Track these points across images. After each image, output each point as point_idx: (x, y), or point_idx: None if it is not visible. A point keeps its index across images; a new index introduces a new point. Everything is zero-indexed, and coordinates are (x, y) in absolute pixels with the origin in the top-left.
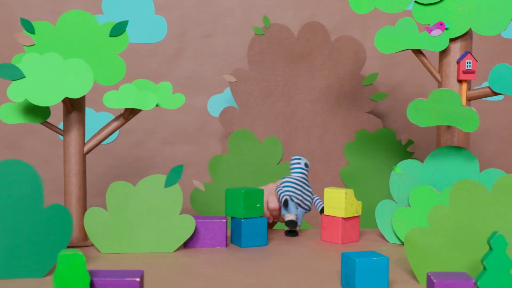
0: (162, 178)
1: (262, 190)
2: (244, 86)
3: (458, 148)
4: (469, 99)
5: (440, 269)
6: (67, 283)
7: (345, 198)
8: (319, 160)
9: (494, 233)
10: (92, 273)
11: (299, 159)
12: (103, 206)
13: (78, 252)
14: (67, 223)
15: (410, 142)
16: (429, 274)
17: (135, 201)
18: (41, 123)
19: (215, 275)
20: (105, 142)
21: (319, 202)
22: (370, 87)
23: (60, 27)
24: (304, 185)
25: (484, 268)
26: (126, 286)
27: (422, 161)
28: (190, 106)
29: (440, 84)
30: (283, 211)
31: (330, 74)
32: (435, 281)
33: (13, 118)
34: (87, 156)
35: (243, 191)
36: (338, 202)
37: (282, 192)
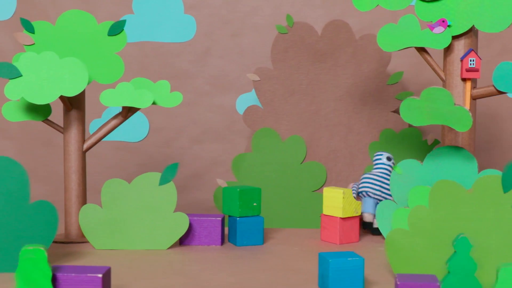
0: (157, 176)
1: (258, 189)
2: (268, 85)
3: (457, 148)
4: (473, 98)
5: (420, 270)
6: (29, 278)
7: (343, 198)
8: (343, 160)
9: (459, 235)
10: (56, 269)
11: (381, 154)
12: None
13: (40, 247)
14: (52, 219)
15: (436, 142)
16: (396, 276)
17: (130, 198)
18: (42, 121)
19: (197, 273)
20: (134, 140)
21: None
22: (395, 86)
23: (59, 26)
24: (384, 180)
25: (448, 271)
26: (88, 282)
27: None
28: (218, 105)
29: (444, 83)
30: (362, 209)
31: (355, 72)
32: (398, 283)
33: (16, 116)
34: (117, 154)
35: (238, 189)
36: (336, 202)
37: (359, 189)
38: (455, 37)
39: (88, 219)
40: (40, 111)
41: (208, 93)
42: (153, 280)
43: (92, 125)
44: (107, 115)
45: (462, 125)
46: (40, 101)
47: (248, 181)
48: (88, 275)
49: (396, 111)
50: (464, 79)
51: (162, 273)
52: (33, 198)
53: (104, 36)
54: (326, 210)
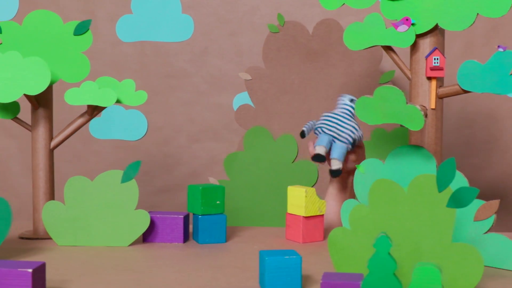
0: (119, 173)
1: (222, 187)
2: (260, 83)
3: (416, 147)
4: (440, 97)
5: (361, 268)
6: None
7: (305, 196)
8: None
9: (379, 234)
10: None
11: (344, 96)
12: None
13: None
14: (6, 214)
15: None
16: (324, 274)
17: (93, 195)
18: (12, 119)
19: (146, 269)
20: (133, 139)
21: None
22: (387, 85)
23: (26, 26)
24: (343, 119)
25: (368, 270)
26: (18, 277)
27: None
28: (216, 104)
29: (410, 81)
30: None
31: (346, 71)
32: (321, 281)
33: None
34: (116, 152)
35: (201, 187)
36: (299, 200)
37: (315, 126)
38: (420, 36)
39: (51, 215)
40: (9, 110)
41: (206, 92)
42: (99, 276)
43: (92, 124)
44: (106, 114)
45: (415, 124)
46: (3, 99)
47: (240, 180)
48: (19, 270)
49: None
50: (429, 78)
51: (111, 269)
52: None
53: (70, 35)
54: (290, 209)
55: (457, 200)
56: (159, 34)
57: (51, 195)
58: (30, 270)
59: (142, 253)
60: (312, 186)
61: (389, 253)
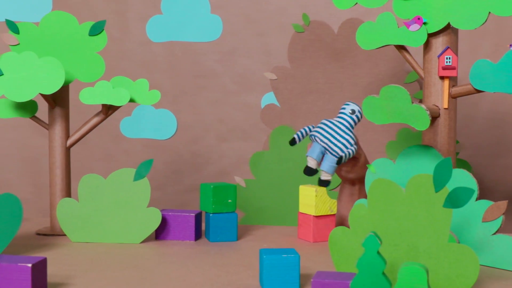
0: (132, 171)
1: (234, 186)
2: (285, 83)
3: (426, 147)
4: (453, 97)
5: None
6: None
7: (316, 196)
8: None
9: (368, 233)
10: None
11: (348, 104)
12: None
13: None
14: (17, 211)
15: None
16: (316, 272)
17: (106, 193)
18: (30, 118)
19: (150, 266)
20: (163, 138)
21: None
22: (413, 85)
23: (43, 27)
24: (339, 130)
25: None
26: (18, 271)
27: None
28: (244, 103)
29: (423, 81)
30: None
31: (372, 71)
32: (312, 280)
33: (6, 113)
34: (146, 151)
35: (212, 186)
36: (309, 200)
37: (311, 131)
38: (432, 35)
39: (65, 212)
40: (27, 109)
41: (234, 92)
42: (103, 272)
43: (123, 124)
44: (137, 113)
45: (420, 123)
46: (19, 99)
47: (265, 179)
48: (19, 264)
49: None
50: (441, 77)
51: (117, 266)
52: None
53: (85, 36)
54: (302, 208)
55: (453, 200)
56: (188, 34)
57: (68, 193)
58: (30, 265)
59: (151, 250)
60: (337, 187)
61: (378, 253)
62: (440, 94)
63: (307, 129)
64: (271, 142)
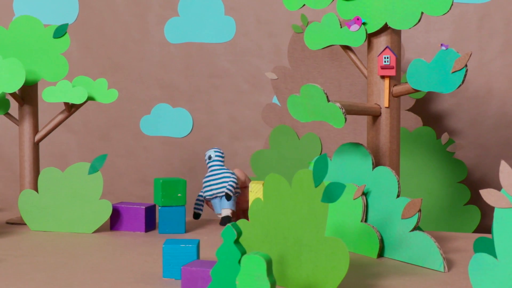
0: (87, 165)
1: (183, 181)
2: (285, 83)
3: (356, 145)
4: (394, 96)
5: None
6: None
7: (250, 191)
8: None
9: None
10: None
11: (206, 154)
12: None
13: None
14: None
15: (450, 141)
16: (193, 261)
17: (63, 185)
18: (3, 115)
19: (79, 253)
20: (179, 136)
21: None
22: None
23: (12, 30)
24: (213, 177)
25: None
26: None
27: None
28: (256, 102)
29: (367, 80)
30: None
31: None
32: (181, 267)
33: None
34: (163, 148)
35: (161, 181)
36: (256, 195)
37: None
38: (373, 35)
39: (26, 203)
40: (0, 106)
41: (246, 91)
42: (30, 258)
43: (143, 122)
44: (156, 111)
45: (337, 121)
46: None
47: (265, 176)
48: None
49: (411, 110)
50: (382, 77)
51: (50, 252)
52: None
53: (50, 38)
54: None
55: (328, 195)
56: (203, 35)
57: (35, 185)
58: None
59: (95, 240)
60: None
61: (235, 242)
62: (381, 93)
63: (200, 198)
64: (271, 141)
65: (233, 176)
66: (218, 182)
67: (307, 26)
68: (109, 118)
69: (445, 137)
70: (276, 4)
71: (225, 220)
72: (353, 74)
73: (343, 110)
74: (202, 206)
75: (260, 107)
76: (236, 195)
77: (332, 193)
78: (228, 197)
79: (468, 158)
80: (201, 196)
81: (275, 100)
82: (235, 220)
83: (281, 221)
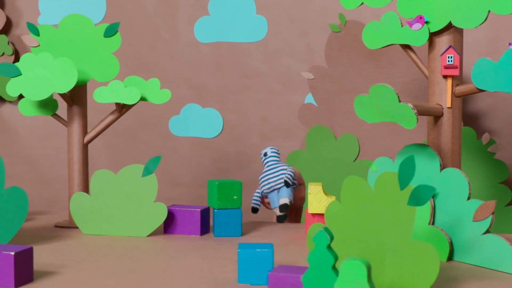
0: (141, 168)
1: (239, 183)
2: (322, 83)
3: (423, 146)
4: (457, 96)
5: None
6: None
7: (309, 193)
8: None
9: (320, 229)
10: None
11: (262, 151)
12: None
13: None
14: (23, 204)
15: (491, 142)
16: (277, 266)
17: (116, 188)
18: (51, 116)
19: (143, 258)
20: (209, 136)
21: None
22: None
23: (61, 29)
24: (271, 171)
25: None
26: (2, 259)
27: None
28: (289, 102)
29: (428, 80)
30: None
31: (408, 70)
32: (268, 273)
33: (30, 111)
34: (193, 149)
35: (217, 182)
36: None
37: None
38: (435, 34)
39: (78, 206)
40: (48, 107)
41: (278, 91)
42: (96, 263)
43: (172, 122)
44: (185, 112)
45: (408, 122)
46: (35, 97)
47: (303, 177)
48: (3, 252)
49: None
50: (445, 76)
51: (112, 257)
52: None
53: (100, 37)
54: (306, 204)
55: (416, 199)
56: (234, 35)
57: (85, 187)
58: (13, 253)
59: (152, 244)
60: None
61: (327, 247)
62: (443, 93)
63: (257, 194)
64: (308, 141)
65: (290, 168)
66: (276, 174)
67: (344, 25)
68: (137, 118)
69: (486, 137)
70: (308, 3)
71: (283, 208)
72: (391, 74)
73: (415, 110)
74: (260, 201)
75: (292, 107)
76: (294, 186)
77: (420, 196)
78: (287, 184)
79: (508, 159)
80: (258, 192)
81: (307, 100)
82: (291, 212)
83: (362, 225)
